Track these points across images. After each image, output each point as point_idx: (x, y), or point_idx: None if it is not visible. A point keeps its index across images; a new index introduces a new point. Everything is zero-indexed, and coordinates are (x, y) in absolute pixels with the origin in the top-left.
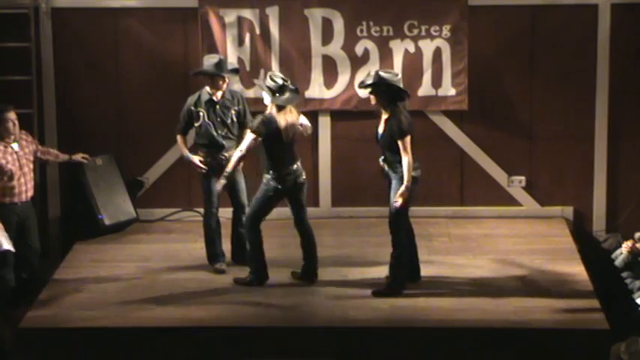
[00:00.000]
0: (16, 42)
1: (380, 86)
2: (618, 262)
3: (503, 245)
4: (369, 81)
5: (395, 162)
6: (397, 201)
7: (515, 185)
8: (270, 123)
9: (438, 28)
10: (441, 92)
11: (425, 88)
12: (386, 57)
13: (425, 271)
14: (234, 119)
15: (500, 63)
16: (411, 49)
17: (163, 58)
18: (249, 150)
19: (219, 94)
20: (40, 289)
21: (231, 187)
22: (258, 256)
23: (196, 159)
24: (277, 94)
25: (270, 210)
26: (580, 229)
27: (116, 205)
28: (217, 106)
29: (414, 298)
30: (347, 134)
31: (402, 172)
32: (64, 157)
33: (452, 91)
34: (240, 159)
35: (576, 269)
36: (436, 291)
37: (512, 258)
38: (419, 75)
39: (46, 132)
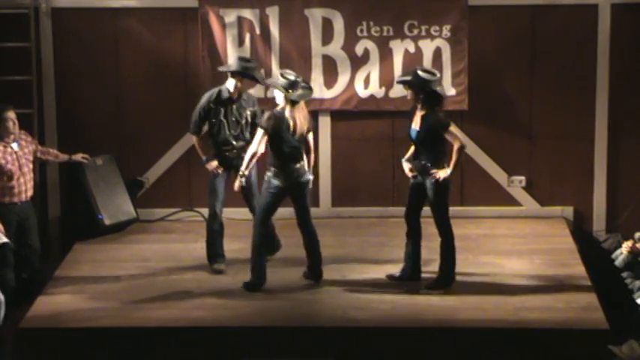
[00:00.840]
0: (16, 42)
1: (417, 85)
2: (618, 262)
3: (503, 245)
4: (406, 78)
5: (431, 158)
6: (436, 172)
7: (515, 185)
8: (278, 119)
9: (438, 28)
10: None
11: None
12: (386, 57)
13: (425, 271)
14: (249, 120)
15: (500, 63)
16: (411, 49)
17: (163, 58)
18: (260, 146)
19: (236, 94)
20: (40, 289)
21: (248, 189)
22: (259, 259)
23: (215, 163)
24: (290, 91)
25: (276, 206)
26: (580, 229)
27: (116, 205)
28: (234, 106)
29: (414, 298)
30: (347, 134)
31: (434, 172)
32: (64, 157)
33: (452, 91)
34: (253, 156)
35: (576, 269)
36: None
37: (512, 258)
38: None
39: (46, 132)
